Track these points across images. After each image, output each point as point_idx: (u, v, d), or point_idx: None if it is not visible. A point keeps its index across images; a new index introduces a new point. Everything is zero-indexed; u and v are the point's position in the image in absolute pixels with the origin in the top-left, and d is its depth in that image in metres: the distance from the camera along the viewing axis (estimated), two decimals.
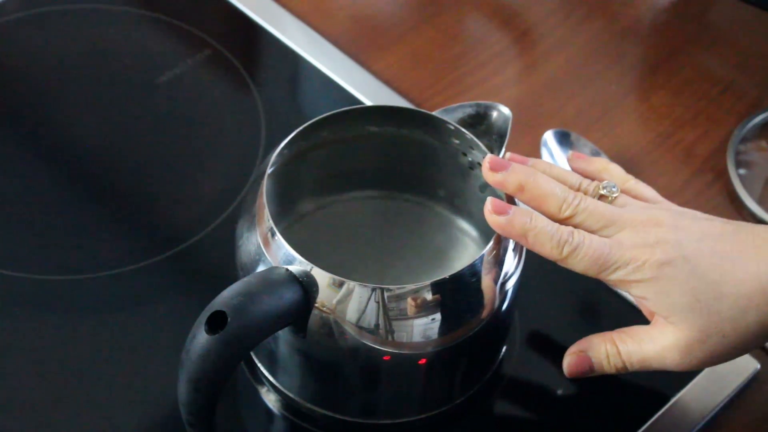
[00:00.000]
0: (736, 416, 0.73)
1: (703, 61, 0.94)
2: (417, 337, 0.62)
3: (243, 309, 0.58)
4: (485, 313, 0.64)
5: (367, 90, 0.89)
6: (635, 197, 0.66)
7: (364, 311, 0.61)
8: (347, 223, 0.73)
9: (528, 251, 0.67)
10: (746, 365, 0.74)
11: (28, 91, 0.89)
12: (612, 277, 0.61)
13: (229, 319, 0.57)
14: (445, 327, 0.62)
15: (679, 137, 0.89)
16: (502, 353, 0.72)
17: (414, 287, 0.61)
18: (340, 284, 0.61)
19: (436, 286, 0.61)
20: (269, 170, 0.66)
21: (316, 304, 0.61)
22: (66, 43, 0.92)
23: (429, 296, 0.61)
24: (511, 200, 0.65)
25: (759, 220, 0.82)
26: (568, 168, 0.68)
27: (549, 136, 0.83)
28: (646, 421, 0.71)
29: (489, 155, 0.64)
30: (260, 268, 0.63)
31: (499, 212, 0.62)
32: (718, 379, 0.74)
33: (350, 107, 0.69)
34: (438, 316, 0.62)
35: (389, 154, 0.72)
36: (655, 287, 0.60)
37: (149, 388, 0.71)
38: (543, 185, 0.63)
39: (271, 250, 0.62)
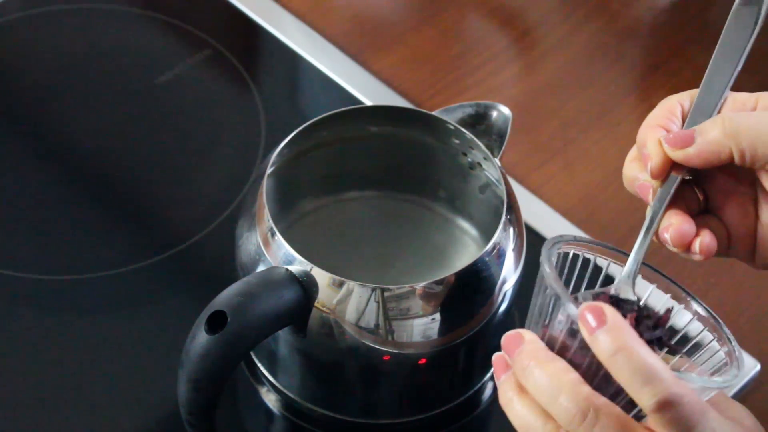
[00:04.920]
0: None
1: (703, 61, 0.94)
2: (417, 337, 0.62)
3: (243, 309, 0.58)
4: (485, 313, 0.64)
5: (367, 90, 0.89)
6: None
7: (363, 311, 0.61)
8: (347, 223, 0.73)
9: (528, 252, 0.67)
10: (747, 366, 0.74)
11: (28, 91, 0.89)
12: None
13: (229, 319, 0.57)
14: (445, 327, 0.62)
15: None
16: None
17: (414, 287, 0.61)
18: (340, 284, 0.61)
19: (436, 286, 0.61)
20: (269, 170, 0.66)
21: (316, 304, 0.61)
22: (66, 43, 0.92)
23: (429, 296, 0.61)
24: None
25: None
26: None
27: None
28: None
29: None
30: (260, 268, 0.63)
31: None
32: None
33: (350, 107, 0.69)
34: (438, 316, 0.62)
35: (389, 154, 0.72)
36: None
37: (149, 388, 0.71)
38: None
39: (271, 250, 0.62)
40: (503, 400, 0.52)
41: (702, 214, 0.58)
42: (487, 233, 0.70)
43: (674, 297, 0.57)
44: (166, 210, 0.82)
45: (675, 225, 0.56)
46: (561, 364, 0.51)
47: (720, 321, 0.56)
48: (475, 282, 0.62)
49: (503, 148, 0.69)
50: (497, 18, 0.97)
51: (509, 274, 0.64)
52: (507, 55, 0.95)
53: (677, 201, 0.57)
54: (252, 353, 0.71)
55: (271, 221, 0.63)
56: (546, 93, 0.92)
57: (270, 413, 0.71)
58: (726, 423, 0.50)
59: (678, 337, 0.56)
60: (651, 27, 0.99)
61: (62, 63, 0.90)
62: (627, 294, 0.56)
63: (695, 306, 0.56)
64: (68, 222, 0.80)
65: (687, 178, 0.58)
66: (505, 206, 0.64)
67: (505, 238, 0.64)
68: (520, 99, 0.91)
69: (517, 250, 0.65)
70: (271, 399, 0.71)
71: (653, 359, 0.49)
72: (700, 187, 0.58)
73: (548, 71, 0.94)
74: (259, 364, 0.71)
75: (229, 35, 0.93)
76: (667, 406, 0.48)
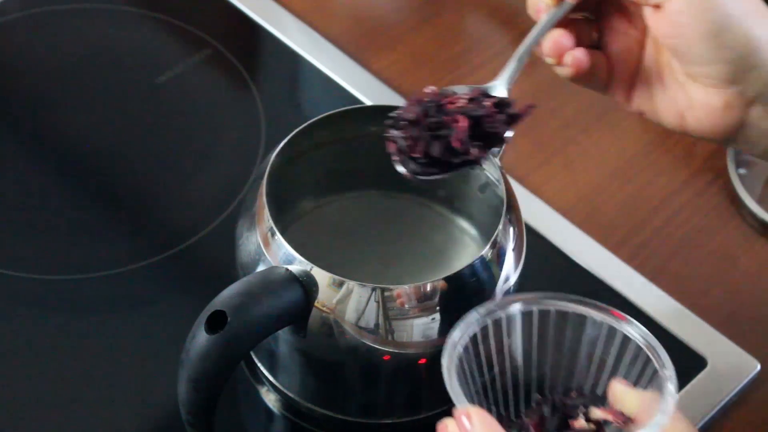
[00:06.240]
0: (737, 416, 0.73)
1: None
2: (417, 337, 0.62)
3: (243, 309, 0.58)
4: None
5: (367, 90, 0.89)
6: None
7: (363, 311, 0.61)
8: (347, 223, 0.73)
9: (528, 251, 0.67)
10: (747, 365, 0.74)
11: (28, 91, 0.89)
12: None
13: (229, 319, 0.57)
14: (445, 327, 0.62)
15: (678, 137, 0.88)
16: None
17: (414, 287, 0.61)
18: (340, 284, 0.61)
19: (436, 286, 0.61)
20: (269, 170, 0.66)
21: (316, 304, 0.61)
22: (66, 43, 0.92)
23: (429, 296, 0.61)
24: None
25: (759, 220, 0.82)
26: None
27: None
28: None
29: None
30: (260, 268, 0.63)
31: None
32: (719, 378, 0.74)
33: (350, 107, 0.69)
34: (438, 316, 0.62)
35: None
36: None
37: (149, 388, 0.71)
38: None
39: (271, 250, 0.62)
40: None
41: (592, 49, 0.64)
42: (487, 233, 0.70)
43: (610, 319, 0.59)
44: (166, 210, 0.82)
45: (555, 36, 0.62)
46: None
47: (656, 345, 0.57)
48: (475, 282, 0.62)
49: (503, 148, 0.69)
50: (497, 18, 0.97)
51: (509, 273, 0.64)
52: (507, 55, 0.94)
53: (570, 30, 0.62)
54: (252, 353, 0.71)
55: (271, 221, 0.63)
56: (546, 93, 0.91)
57: (270, 413, 0.71)
58: None
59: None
60: None
61: (62, 63, 0.90)
62: (501, 94, 0.63)
63: (629, 328, 0.58)
64: (68, 222, 0.80)
65: (591, 17, 0.64)
66: (505, 206, 0.64)
67: (505, 238, 0.64)
68: (520, 99, 0.91)
69: (517, 250, 0.65)
70: (271, 399, 0.71)
71: None
72: (595, 26, 0.64)
73: (548, 71, 0.93)
74: (259, 364, 0.71)
75: (229, 35, 0.93)
76: None
